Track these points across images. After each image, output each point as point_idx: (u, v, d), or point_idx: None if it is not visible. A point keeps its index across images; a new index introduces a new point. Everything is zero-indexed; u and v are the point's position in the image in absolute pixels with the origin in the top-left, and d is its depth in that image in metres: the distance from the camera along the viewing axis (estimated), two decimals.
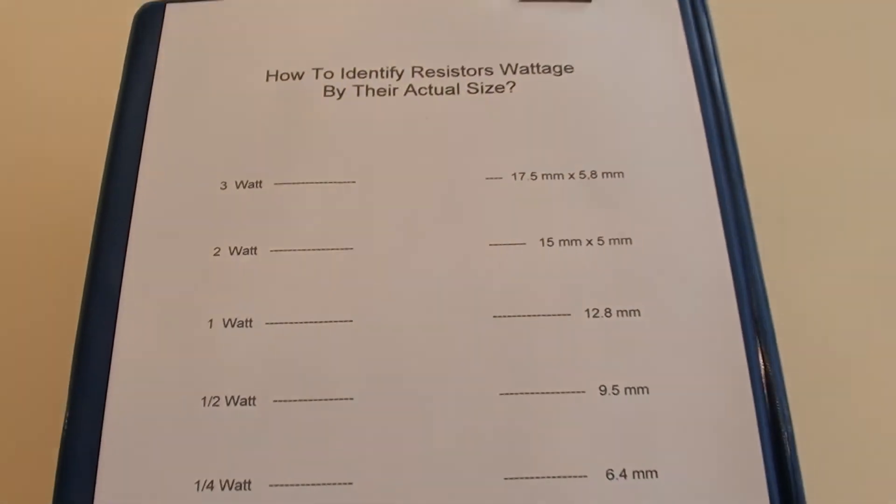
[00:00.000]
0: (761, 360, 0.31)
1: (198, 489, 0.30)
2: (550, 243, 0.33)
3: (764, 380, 0.31)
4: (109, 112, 0.36)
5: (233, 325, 0.32)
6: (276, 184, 0.35)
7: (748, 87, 0.39)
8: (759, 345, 0.31)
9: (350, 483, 0.30)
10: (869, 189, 0.37)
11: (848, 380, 0.33)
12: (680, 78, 0.36)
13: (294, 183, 0.35)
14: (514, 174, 0.35)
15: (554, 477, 0.30)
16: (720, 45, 0.37)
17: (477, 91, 0.37)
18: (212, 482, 0.30)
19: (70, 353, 0.32)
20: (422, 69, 0.37)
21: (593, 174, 0.35)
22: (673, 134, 0.35)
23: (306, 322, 0.32)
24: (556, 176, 0.35)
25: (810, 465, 0.30)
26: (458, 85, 0.37)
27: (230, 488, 0.30)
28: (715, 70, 0.37)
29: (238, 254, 0.34)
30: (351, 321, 0.32)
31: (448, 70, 0.37)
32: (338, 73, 0.37)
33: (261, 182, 0.35)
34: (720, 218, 0.34)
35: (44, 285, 0.34)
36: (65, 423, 0.31)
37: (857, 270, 0.35)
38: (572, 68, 0.37)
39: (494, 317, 0.32)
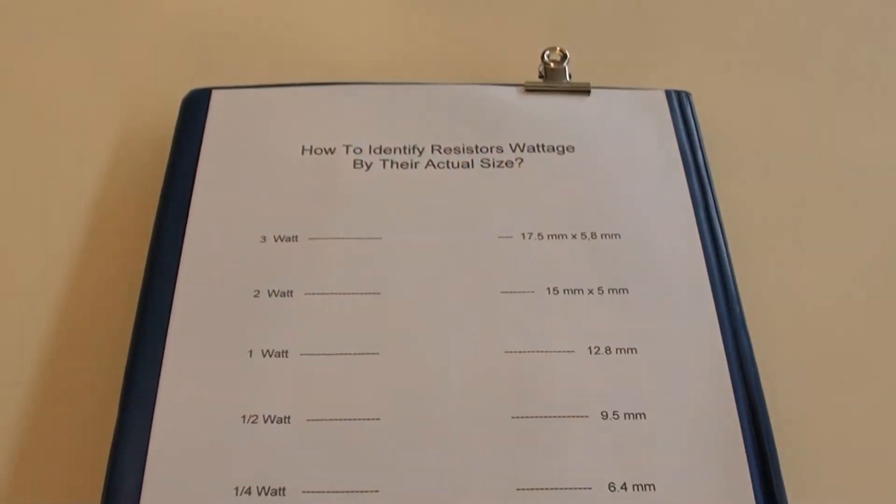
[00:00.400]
0: (745, 387, 0.35)
1: (236, 494, 0.33)
2: (556, 292, 0.38)
3: (747, 404, 0.35)
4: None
5: (270, 356, 0.36)
6: (310, 238, 0.39)
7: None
8: (742, 373, 0.35)
9: (376, 491, 0.33)
10: (858, 236, 0.41)
11: (829, 394, 0.36)
12: (668, 156, 0.42)
13: (327, 238, 0.39)
14: (523, 234, 0.39)
15: (561, 488, 0.33)
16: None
17: (489, 166, 0.41)
18: (249, 488, 0.33)
19: (122, 370, 0.35)
20: (440, 147, 0.42)
21: (593, 235, 0.39)
22: (663, 203, 0.40)
23: (337, 354, 0.36)
24: (561, 236, 0.39)
25: (792, 475, 0.33)
26: (472, 160, 0.42)
27: (266, 494, 0.33)
28: (699, 150, 0.42)
29: (276, 296, 0.37)
30: (377, 353, 0.36)
31: (463, 148, 0.42)
32: (366, 150, 0.42)
33: (297, 237, 0.39)
34: (706, 271, 0.38)
35: (103, 312, 0.38)
36: (115, 431, 0.34)
37: (830, 288, 0.39)
38: (574, 148, 0.42)
39: (506, 352, 0.36)
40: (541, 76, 0.45)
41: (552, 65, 0.45)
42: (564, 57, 0.45)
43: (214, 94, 0.44)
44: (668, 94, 0.44)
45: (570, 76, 0.44)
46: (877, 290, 0.40)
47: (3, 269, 0.40)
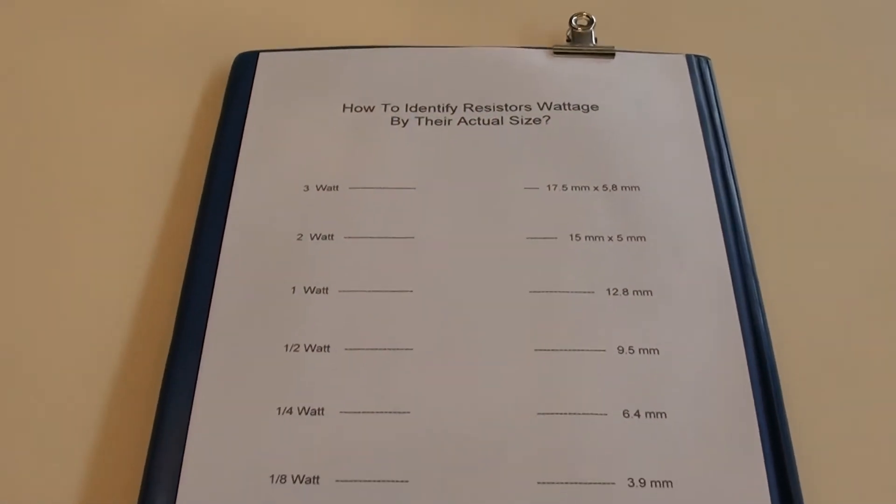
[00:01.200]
0: (752, 327, 0.37)
1: (278, 413, 0.36)
2: (578, 238, 0.40)
3: (754, 342, 0.37)
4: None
5: (312, 292, 0.39)
6: (350, 188, 0.42)
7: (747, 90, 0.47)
8: (750, 315, 0.38)
9: (408, 412, 0.36)
10: (862, 194, 0.43)
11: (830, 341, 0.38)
12: (687, 116, 0.44)
13: (365, 187, 0.42)
14: (549, 185, 0.42)
15: (578, 413, 0.36)
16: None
17: (518, 123, 0.44)
18: (290, 408, 0.36)
19: (177, 297, 0.39)
20: (472, 105, 0.45)
21: (614, 187, 0.42)
22: (680, 159, 0.43)
23: (374, 291, 0.39)
24: (583, 188, 0.42)
25: (795, 413, 0.36)
26: (501, 118, 0.44)
27: (306, 413, 0.36)
28: (717, 111, 0.44)
29: (318, 239, 0.40)
30: (411, 291, 0.39)
31: (494, 106, 0.45)
32: (402, 108, 0.45)
33: (337, 186, 0.42)
34: (718, 221, 0.40)
35: (159, 247, 0.41)
36: (169, 353, 0.37)
37: (839, 247, 0.41)
38: (598, 107, 0.44)
39: (530, 292, 0.39)
40: (568, 40, 0.47)
41: (579, 29, 0.47)
42: (591, 22, 0.47)
43: (261, 56, 0.47)
44: (688, 58, 0.46)
45: (595, 40, 0.47)
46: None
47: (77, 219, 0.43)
